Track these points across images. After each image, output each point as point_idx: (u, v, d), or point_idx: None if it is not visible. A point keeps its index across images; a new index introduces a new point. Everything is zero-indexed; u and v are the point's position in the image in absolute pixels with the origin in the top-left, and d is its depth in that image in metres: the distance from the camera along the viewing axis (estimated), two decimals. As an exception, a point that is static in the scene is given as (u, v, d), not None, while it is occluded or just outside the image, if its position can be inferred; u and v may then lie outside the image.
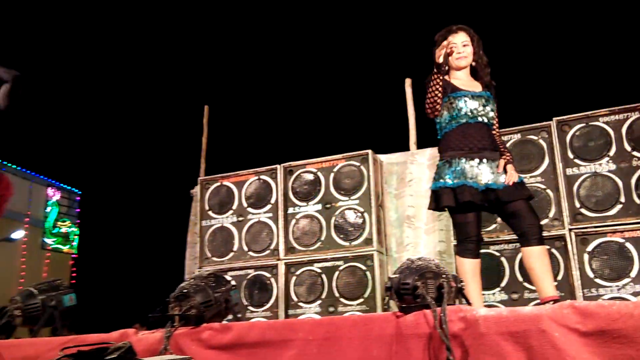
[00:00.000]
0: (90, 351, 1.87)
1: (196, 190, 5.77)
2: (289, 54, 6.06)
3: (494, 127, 3.51)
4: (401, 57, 5.53)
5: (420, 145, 5.29)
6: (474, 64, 3.51)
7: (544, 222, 4.40)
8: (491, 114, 3.44)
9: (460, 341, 2.29)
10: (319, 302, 4.94)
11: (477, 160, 3.31)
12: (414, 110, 5.36)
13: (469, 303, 2.60)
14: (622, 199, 4.29)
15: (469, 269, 3.28)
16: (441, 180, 3.33)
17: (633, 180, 4.29)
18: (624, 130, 4.39)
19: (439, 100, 3.33)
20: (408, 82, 5.43)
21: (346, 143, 5.35)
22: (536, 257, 3.20)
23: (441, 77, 3.32)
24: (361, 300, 4.78)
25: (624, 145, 4.37)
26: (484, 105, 3.40)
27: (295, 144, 5.83)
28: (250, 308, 5.15)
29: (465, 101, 3.39)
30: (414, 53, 5.50)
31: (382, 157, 5.33)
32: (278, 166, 5.38)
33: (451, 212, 3.39)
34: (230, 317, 3.10)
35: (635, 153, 4.33)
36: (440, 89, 3.31)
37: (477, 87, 3.49)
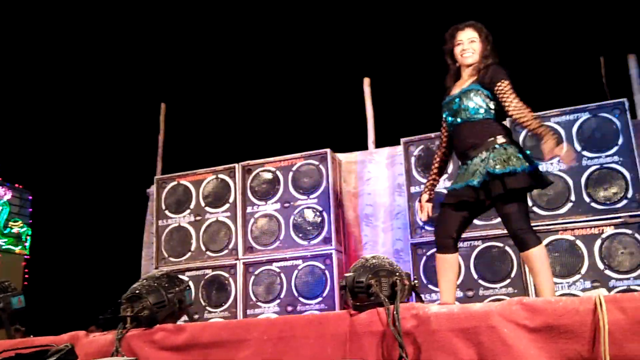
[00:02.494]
0: (29, 354, 1.82)
1: (152, 189, 5.68)
2: (247, 52, 6.02)
3: (481, 115, 3.26)
4: (359, 56, 5.55)
5: (379, 144, 5.33)
6: (482, 63, 3.35)
7: (497, 220, 4.49)
8: (473, 106, 3.25)
9: (412, 338, 2.32)
10: (277, 301, 4.93)
11: (466, 162, 3.28)
12: (372, 110, 5.40)
13: (421, 301, 2.63)
14: (573, 198, 4.41)
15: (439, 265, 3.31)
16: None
17: (583, 180, 4.42)
18: (574, 130, 4.52)
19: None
20: (366, 81, 5.46)
21: (305, 142, 5.34)
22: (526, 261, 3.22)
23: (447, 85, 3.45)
24: (320, 299, 4.79)
25: (574, 145, 4.48)
26: (465, 101, 3.28)
27: (254, 143, 5.81)
28: (208, 308, 5.10)
29: (448, 105, 3.39)
30: (372, 52, 5.54)
31: (341, 156, 5.35)
32: (236, 165, 5.34)
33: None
34: (184, 318, 3.06)
35: (585, 153, 4.46)
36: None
37: (468, 82, 3.36)
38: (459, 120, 3.31)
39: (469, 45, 3.37)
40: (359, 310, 2.47)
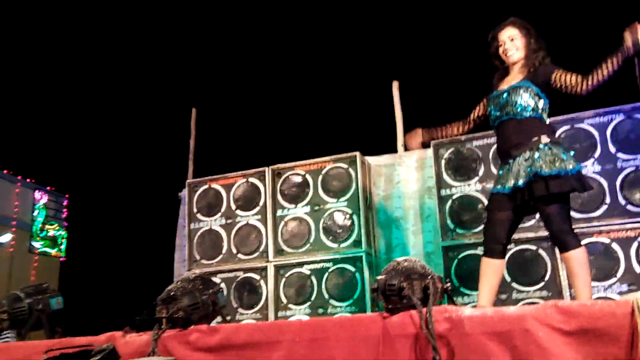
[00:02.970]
0: (73, 354, 1.87)
1: (184, 193, 5.76)
2: (277, 56, 6.07)
3: (528, 113, 3.22)
4: (389, 59, 5.55)
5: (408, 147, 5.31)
6: (531, 57, 3.31)
7: (530, 222, 4.45)
8: (521, 102, 3.21)
9: (446, 341, 2.32)
10: (308, 303, 4.95)
11: (508, 161, 3.26)
12: (401, 113, 5.39)
13: (454, 303, 2.62)
14: (607, 200, 4.34)
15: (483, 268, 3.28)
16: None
17: (618, 182, 4.34)
18: (608, 131, 4.44)
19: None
20: (395, 84, 5.45)
21: (334, 145, 5.35)
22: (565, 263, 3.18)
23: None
24: (350, 301, 4.80)
25: (609, 147, 4.41)
26: (514, 96, 3.24)
27: (283, 147, 5.84)
28: (240, 310, 5.15)
29: (495, 99, 3.36)
30: (401, 56, 5.54)
31: (370, 159, 5.35)
32: (266, 168, 5.38)
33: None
34: (218, 319, 3.10)
35: (620, 154, 4.38)
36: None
37: (518, 78, 3.33)
38: (504, 116, 3.28)
39: (510, 43, 3.35)
40: (392, 313, 2.47)
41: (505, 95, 3.29)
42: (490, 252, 3.24)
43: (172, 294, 2.78)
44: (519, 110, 3.23)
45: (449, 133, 3.74)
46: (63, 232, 10.64)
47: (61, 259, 10.49)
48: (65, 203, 10.72)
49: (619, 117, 4.44)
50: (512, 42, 3.35)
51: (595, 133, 4.47)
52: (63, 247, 10.59)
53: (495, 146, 4.66)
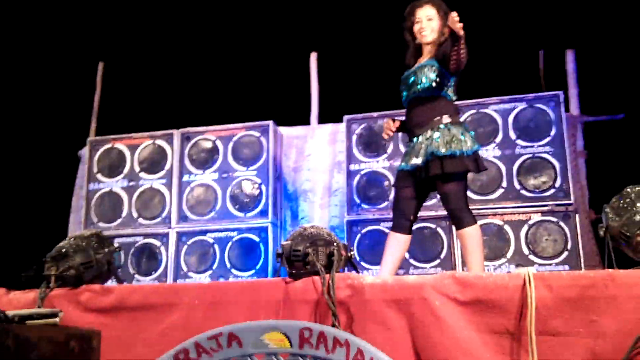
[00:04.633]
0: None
1: (84, 151, 5.44)
2: (194, 15, 5.82)
3: (431, 91, 3.25)
4: (308, 30, 5.48)
5: (322, 120, 5.30)
6: (442, 38, 3.30)
7: (432, 202, 4.58)
8: (425, 81, 3.23)
9: (346, 308, 2.34)
10: (209, 272, 4.85)
11: (412, 139, 3.32)
12: (317, 85, 5.35)
13: (357, 271, 2.65)
14: (504, 184, 4.55)
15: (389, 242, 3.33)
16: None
17: (515, 167, 4.56)
18: (510, 118, 4.64)
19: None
20: (313, 55, 5.40)
21: (246, 113, 5.23)
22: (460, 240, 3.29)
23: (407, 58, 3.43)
24: (252, 272, 4.75)
25: (509, 133, 4.62)
26: (420, 75, 3.26)
27: (194, 109, 5.64)
28: (137, 277, 4.96)
29: (404, 80, 3.37)
30: (320, 27, 5.48)
31: (283, 130, 5.29)
32: (175, 131, 5.19)
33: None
34: (112, 280, 2.96)
35: (519, 141, 4.60)
36: None
37: (426, 58, 3.35)
38: (411, 95, 3.33)
39: (427, 23, 3.34)
40: (295, 279, 2.46)
41: (412, 75, 3.33)
42: (397, 227, 3.32)
43: (63, 250, 2.61)
44: (423, 88, 3.26)
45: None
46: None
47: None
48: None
49: (522, 105, 4.65)
50: (429, 22, 3.34)
51: (499, 119, 4.66)
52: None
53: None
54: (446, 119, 3.22)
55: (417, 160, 3.20)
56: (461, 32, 2.94)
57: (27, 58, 5.85)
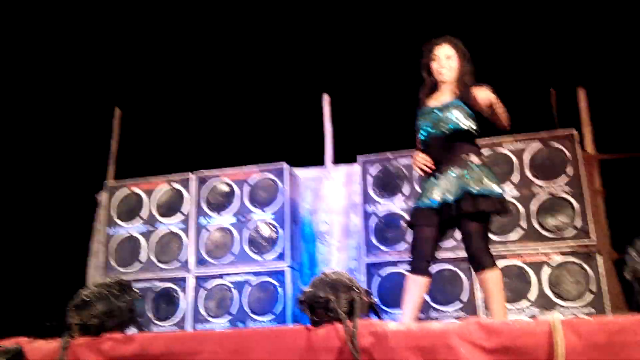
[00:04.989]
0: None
1: (102, 195, 5.50)
2: (208, 60, 5.95)
3: (460, 131, 3.27)
4: (320, 72, 5.57)
5: (337, 161, 5.33)
6: (459, 75, 3.37)
7: (452, 244, 4.54)
8: (454, 120, 3.26)
9: (370, 355, 2.30)
10: (228, 317, 4.82)
11: (435, 174, 3.27)
12: (331, 126, 5.40)
13: (379, 317, 2.62)
14: (523, 225, 4.51)
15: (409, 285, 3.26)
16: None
17: (533, 207, 4.52)
18: (525, 157, 4.63)
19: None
20: (326, 97, 5.46)
21: (260, 154, 5.27)
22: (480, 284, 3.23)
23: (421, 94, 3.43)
24: (272, 316, 4.71)
25: (525, 173, 4.60)
26: (446, 113, 3.27)
27: (208, 152, 5.70)
28: (156, 322, 4.93)
29: (426, 115, 3.35)
30: (333, 69, 5.57)
31: (298, 172, 5.32)
32: (191, 174, 5.24)
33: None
34: (134, 328, 2.95)
35: (535, 180, 4.58)
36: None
37: (448, 96, 3.36)
38: (436, 133, 3.31)
39: (445, 61, 3.36)
40: (317, 326, 2.44)
41: (437, 111, 3.33)
42: (416, 270, 3.27)
43: (86, 298, 2.62)
44: (451, 127, 3.27)
45: None
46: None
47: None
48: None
49: (536, 144, 4.65)
50: (447, 61, 3.37)
51: (514, 158, 4.66)
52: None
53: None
54: (474, 158, 3.22)
55: (447, 197, 3.16)
56: (500, 108, 3.04)
57: (47, 103, 5.98)
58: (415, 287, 3.24)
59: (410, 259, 3.34)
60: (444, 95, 3.41)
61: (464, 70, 3.36)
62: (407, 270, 3.33)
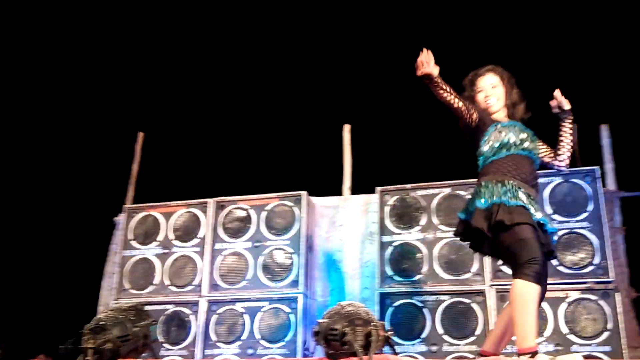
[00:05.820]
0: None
1: (120, 218, 5.55)
2: (231, 88, 6.04)
3: (534, 156, 3.24)
4: (341, 102, 5.63)
5: (354, 191, 5.34)
6: (507, 102, 3.31)
7: (466, 276, 4.52)
8: (537, 146, 3.24)
9: (384, 391, 2.28)
10: (238, 343, 4.79)
11: (529, 192, 3.08)
12: (350, 156, 5.42)
13: (395, 352, 2.60)
14: (541, 260, 4.45)
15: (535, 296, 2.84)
16: (502, 198, 2.98)
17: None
18: (546, 193, 4.60)
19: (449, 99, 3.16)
20: (347, 128, 5.50)
21: (279, 182, 5.32)
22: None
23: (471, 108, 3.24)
24: (282, 343, 4.68)
25: (545, 208, 4.57)
26: (533, 138, 3.23)
27: (228, 179, 5.75)
28: (166, 345, 4.92)
29: (511, 127, 3.19)
30: (354, 99, 5.62)
31: (315, 200, 5.33)
32: (209, 200, 5.27)
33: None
34: (147, 354, 2.95)
35: (555, 216, 4.53)
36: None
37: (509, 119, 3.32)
38: (523, 152, 3.15)
39: (492, 91, 3.28)
40: (332, 359, 2.42)
41: (525, 130, 3.21)
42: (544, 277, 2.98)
43: (101, 323, 2.62)
44: (536, 152, 3.23)
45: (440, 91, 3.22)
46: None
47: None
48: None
49: (557, 180, 4.62)
50: (494, 90, 3.28)
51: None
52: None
53: (439, 196, 4.80)
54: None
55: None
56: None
57: (72, 129, 6.10)
58: (538, 299, 2.84)
59: (539, 268, 2.86)
60: (500, 116, 3.33)
61: (514, 97, 3.30)
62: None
